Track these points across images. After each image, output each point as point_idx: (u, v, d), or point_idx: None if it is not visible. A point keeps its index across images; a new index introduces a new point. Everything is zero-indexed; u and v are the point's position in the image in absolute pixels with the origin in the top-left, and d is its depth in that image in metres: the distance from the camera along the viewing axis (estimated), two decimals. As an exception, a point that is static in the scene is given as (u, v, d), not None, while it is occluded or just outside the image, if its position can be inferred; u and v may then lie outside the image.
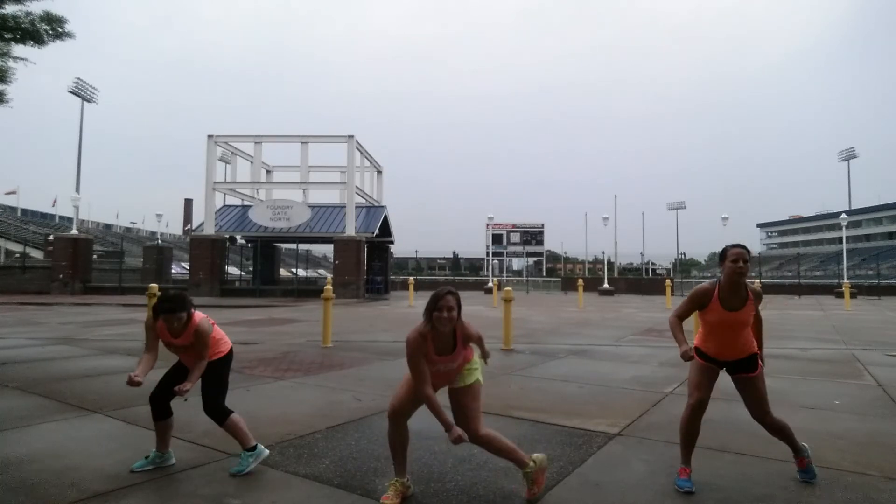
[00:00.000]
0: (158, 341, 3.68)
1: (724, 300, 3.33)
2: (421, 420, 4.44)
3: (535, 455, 3.26)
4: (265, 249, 31.44)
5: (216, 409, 3.68)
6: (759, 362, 3.46)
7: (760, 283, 26.43)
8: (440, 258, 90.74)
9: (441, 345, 3.03)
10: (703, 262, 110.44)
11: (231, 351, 3.89)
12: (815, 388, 6.54)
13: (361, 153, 30.51)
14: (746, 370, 3.42)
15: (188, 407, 5.21)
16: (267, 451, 3.78)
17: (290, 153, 35.15)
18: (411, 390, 3.12)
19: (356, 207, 28.37)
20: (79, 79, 39.65)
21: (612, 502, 3.25)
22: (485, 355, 3.43)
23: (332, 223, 29.40)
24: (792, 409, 5.45)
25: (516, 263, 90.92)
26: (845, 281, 29.32)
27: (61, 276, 27.84)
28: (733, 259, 3.29)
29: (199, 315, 3.67)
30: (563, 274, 69.79)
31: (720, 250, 3.48)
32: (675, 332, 3.49)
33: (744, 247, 3.35)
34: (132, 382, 3.44)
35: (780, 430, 3.50)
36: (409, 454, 3.30)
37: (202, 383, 3.66)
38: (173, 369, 3.81)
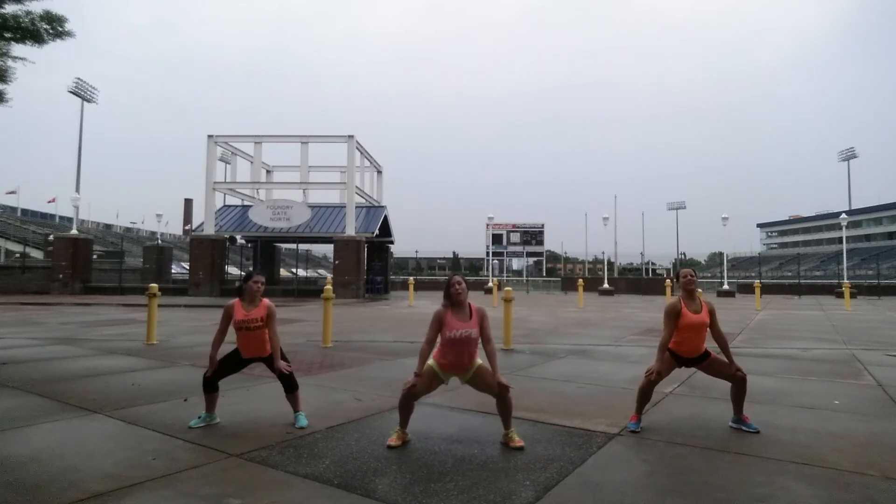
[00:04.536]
0: (229, 324, 4.65)
1: (688, 306, 4.71)
2: (422, 421, 4.47)
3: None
4: (265, 249, 31.48)
5: (294, 381, 4.76)
6: (709, 353, 4.79)
7: (760, 282, 26.44)
8: (440, 258, 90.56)
9: (459, 314, 4.22)
10: (703, 262, 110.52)
11: None
12: (816, 388, 6.54)
13: (361, 153, 30.53)
14: (703, 361, 4.80)
15: (188, 408, 5.24)
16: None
17: (290, 153, 35.31)
18: (423, 384, 4.22)
19: (356, 207, 28.38)
20: (79, 79, 39.88)
21: (612, 502, 3.25)
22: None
23: (332, 223, 29.41)
24: (792, 409, 5.46)
25: (516, 263, 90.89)
26: (845, 281, 29.33)
27: (61, 276, 27.87)
28: (683, 276, 4.86)
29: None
30: (563, 274, 69.83)
31: (675, 273, 5.01)
32: (660, 351, 4.77)
33: (690, 267, 5.03)
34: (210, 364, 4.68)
35: (743, 390, 4.68)
36: (410, 421, 4.34)
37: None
38: (226, 358, 4.74)
